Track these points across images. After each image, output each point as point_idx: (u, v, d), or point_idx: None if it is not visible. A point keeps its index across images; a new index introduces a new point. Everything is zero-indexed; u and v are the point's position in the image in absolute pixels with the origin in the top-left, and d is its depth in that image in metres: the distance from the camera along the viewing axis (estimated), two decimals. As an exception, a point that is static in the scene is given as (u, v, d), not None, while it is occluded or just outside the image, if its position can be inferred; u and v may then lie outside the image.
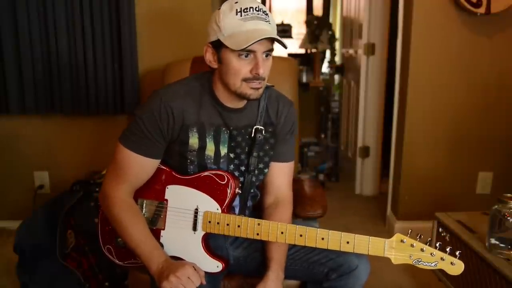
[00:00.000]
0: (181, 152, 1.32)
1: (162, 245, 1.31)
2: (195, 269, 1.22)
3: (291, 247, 1.39)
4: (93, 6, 2.35)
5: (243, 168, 1.38)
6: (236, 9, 1.20)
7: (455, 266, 1.15)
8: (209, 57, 1.29)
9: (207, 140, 1.32)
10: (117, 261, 1.38)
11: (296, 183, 1.85)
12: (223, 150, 1.34)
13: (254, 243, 1.43)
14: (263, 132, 1.37)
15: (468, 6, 2.35)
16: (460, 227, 1.83)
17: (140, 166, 1.31)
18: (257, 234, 1.25)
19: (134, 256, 1.32)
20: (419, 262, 1.15)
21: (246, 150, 1.37)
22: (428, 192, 2.67)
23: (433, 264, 1.15)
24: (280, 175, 1.45)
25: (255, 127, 1.36)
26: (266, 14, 1.23)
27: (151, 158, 1.31)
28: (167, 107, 1.27)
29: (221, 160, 1.35)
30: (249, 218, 1.26)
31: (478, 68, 2.52)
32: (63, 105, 2.45)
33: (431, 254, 1.14)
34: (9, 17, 2.35)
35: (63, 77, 2.42)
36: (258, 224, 1.25)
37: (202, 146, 1.32)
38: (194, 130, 1.31)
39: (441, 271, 1.15)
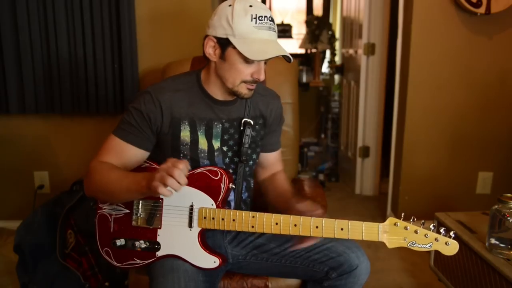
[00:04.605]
0: (173, 146, 1.35)
1: (159, 244, 1.32)
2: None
3: (292, 245, 1.39)
4: (93, 6, 2.35)
5: (236, 159, 1.41)
6: (252, 15, 1.22)
7: (450, 246, 1.15)
8: (210, 50, 1.29)
9: (199, 133, 1.36)
10: (115, 263, 1.38)
11: (296, 183, 1.85)
12: (216, 144, 1.38)
13: (252, 241, 1.45)
14: (253, 124, 1.42)
15: (468, 6, 2.35)
16: (460, 227, 1.83)
17: (125, 151, 1.33)
18: (252, 226, 1.26)
19: (132, 257, 1.34)
20: (414, 244, 1.16)
21: (239, 142, 1.41)
22: (428, 192, 2.68)
23: (427, 246, 1.16)
24: (274, 162, 1.55)
25: (243, 120, 1.40)
26: (274, 24, 1.28)
27: (137, 147, 1.33)
28: (155, 100, 1.32)
29: (216, 154, 1.38)
30: (244, 211, 1.27)
31: (478, 68, 2.52)
32: (63, 105, 2.46)
33: (425, 235, 1.15)
34: (9, 18, 2.35)
35: (63, 77, 2.42)
36: (253, 216, 1.26)
37: (195, 140, 1.35)
38: (186, 123, 1.35)
39: (437, 253, 1.15)
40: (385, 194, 3.01)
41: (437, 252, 1.96)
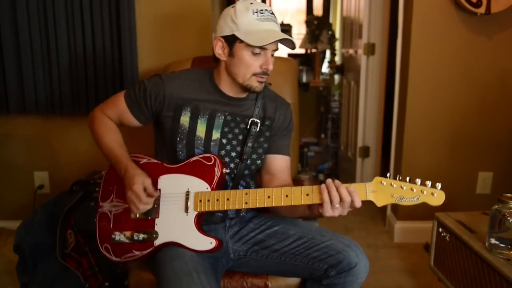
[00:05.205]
0: (172, 129, 1.41)
1: (157, 233, 1.36)
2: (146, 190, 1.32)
3: (292, 241, 1.42)
4: (93, 6, 2.34)
5: (234, 154, 1.44)
6: (253, 10, 1.32)
7: (436, 197, 1.20)
8: (219, 50, 1.39)
9: (199, 121, 1.41)
10: (114, 258, 1.41)
11: (296, 183, 1.85)
12: (216, 135, 1.42)
13: (253, 237, 1.47)
14: (260, 125, 1.45)
15: (468, 6, 2.35)
16: (460, 227, 1.83)
17: (124, 113, 1.47)
18: (246, 203, 1.30)
19: (131, 250, 1.38)
20: (402, 199, 1.21)
21: (240, 138, 1.44)
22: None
23: (415, 199, 1.20)
24: (283, 170, 1.53)
25: (251, 119, 1.44)
26: (276, 17, 1.37)
27: (133, 116, 1.47)
28: (162, 83, 1.42)
29: (212, 143, 1.42)
30: (237, 190, 1.32)
31: (478, 68, 2.52)
32: (63, 105, 2.46)
33: (411, 189, 1.20)
34: (9, 18, 2.35)
35: (63, 77, 2.42)
36: (246, 193, 1.30)
37: (193, 126, 1.41)
38: (188, 110, 1.41)
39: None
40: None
41: (437, 252, 1.97)
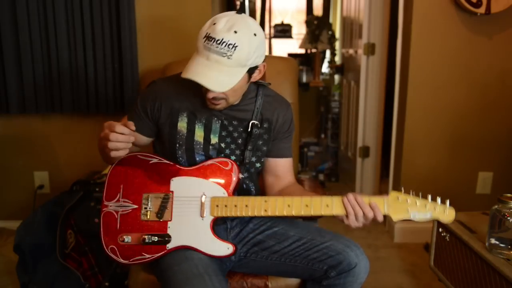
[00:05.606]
0: (171, 135, 1.40)
1: (169, 236, 1.32)
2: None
3: (292, 242, 1.41)
4: (93, 6, 2.35)
5: (233, 158, 1.42)
6: (206, 33, 1.22)
7: (447, 214, 1.26)
8: None
9: (196, 126, 1.40)
10: (122, 260, 1.36)
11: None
12: (214, 139, 1.41)
13: (252, 238, 1.46)
14: (259, 126, 1.43)
15: (468, 6, 2.35)
16: (460, 227, 1.83)
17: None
18: (265, 210, 1.29)
19: (141, 253, 1.34)
20: (416, 215, 1.25)
21: (239, 142, 1.43)
22: (428, 192, 2.64)
23: (428, 215, 1.25)
24: (287, 170, 1.52)
25: (251, 121, 1.42)
26: (234, 48, 1.20)
27: (138, 132, 1.40)
28: (157, 90, 1.42)
29: (211, 147, 1.40)
30: (256, 197, 1.31)
31: (478, 68, 2.52)
32: (63, 105, 2.46)
33: (424, 205, 1.26)
34: (9, 18, 2.35)
35: (63, 77, 2.42)
36: (265, 201, 1.29)
37: (191, 131, 1.39)
38: (184, 115, 1.40)
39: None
40: (385, 194, 3.00)
41: (437, 252, 1.97)
